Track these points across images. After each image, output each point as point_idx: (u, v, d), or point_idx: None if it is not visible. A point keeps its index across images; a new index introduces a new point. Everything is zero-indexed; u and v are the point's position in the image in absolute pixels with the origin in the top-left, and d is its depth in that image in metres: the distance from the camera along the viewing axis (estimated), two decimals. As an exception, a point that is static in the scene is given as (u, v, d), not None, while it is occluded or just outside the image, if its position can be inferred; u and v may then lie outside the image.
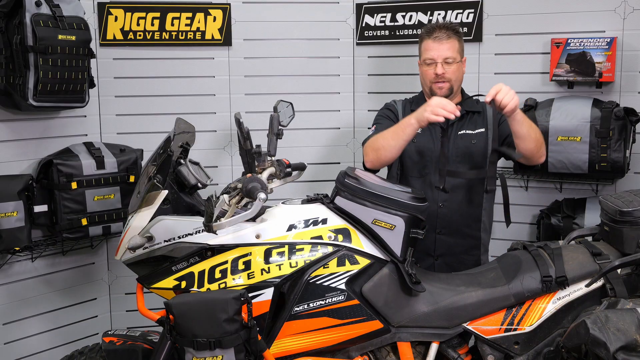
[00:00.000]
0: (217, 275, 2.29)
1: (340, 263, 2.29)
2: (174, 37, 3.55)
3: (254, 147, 2.33)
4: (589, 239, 2.54)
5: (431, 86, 2.80)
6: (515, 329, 2.32)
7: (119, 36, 3.49)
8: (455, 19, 3.51)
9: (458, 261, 2.76)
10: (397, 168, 2.89)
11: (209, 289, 2.27)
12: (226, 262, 2.29)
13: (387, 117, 2.92)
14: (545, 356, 2.29)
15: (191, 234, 2.32)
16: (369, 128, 2.97)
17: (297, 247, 2.30)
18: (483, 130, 2.82)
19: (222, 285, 2.27)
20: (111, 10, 3.47)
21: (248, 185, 2.17)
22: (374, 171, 2.74)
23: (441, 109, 2.49)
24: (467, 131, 2.81)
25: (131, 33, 3.50)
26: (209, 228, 2.12)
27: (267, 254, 2.29)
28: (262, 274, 2.27)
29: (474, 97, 2.90)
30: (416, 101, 2.94)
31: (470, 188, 2.79)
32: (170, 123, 2.66)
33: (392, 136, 2.63)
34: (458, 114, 2.51)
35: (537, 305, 2.32)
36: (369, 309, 2.30)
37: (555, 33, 3.31)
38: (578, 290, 2.31)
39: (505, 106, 2.47)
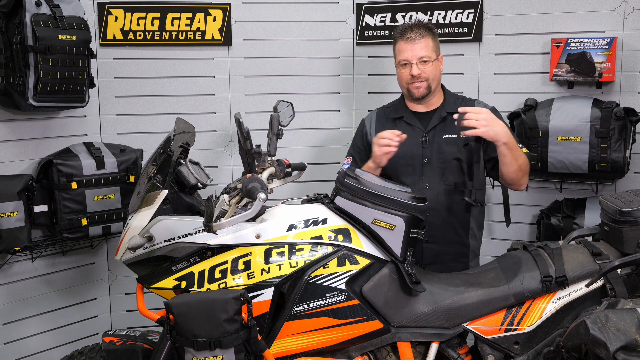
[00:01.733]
0: (217, 275, 2.29)
1: (340, 263, 2.29)
2: (174, 37, 3.55)
3: (254, 147, 2.33)
4: (589, 239, 2.53)
5: (408, 87, 2.78)
6: (515, 329, 2.32)
7: (119, 36, 3.49)
8: (455, 19, 3.51)
9: (447, 269, 2.69)
10: None
11: (209, 289, 2.28)
12: (226, 262, 2.29)
13: (359, 145, 2.93)
14: (545, 356, 2.29)
15: (191, 234, 2.32)
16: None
17: (297, 247, 2.30)
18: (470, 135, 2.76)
19: (222, 285, 2.27)
20: (111, 10, 3.47)
21: (248, 185, 2.17)
22: None
23: (382, 139, 2.60)
24: (452, 135, 2.75)
25: (131, 33, 3.50)
26: (209, 228, 2.12)
27: (267, 254, 2.29)
28: (262, 274, 2.27)
29: (459, 95, 2.88)
30: (394, 106, 2.92)
31: (457, 194, 2.73)
32: (170, 123, 2.66)
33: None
34: (397, 139, 2.60)
35: (537, 305, 2.32)
36: (369, 309, 2.30)
37: (555, 33, 3.31)
38: (578, 290, 2.31)
39: (471, 127, 2.49)
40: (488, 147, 2.66)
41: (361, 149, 2.92)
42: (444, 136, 2.76)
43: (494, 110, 2.80)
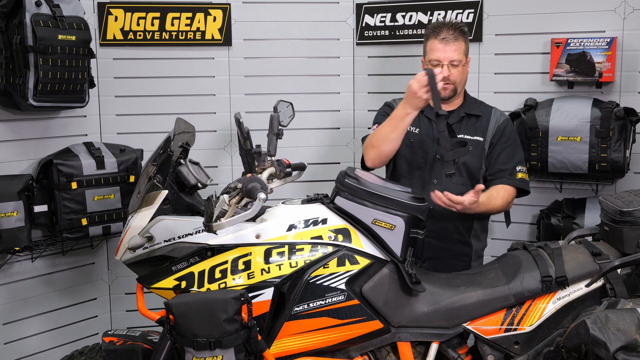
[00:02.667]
0: (217, 275, 2.29)
1: (340, 263, 2.29)
2: (174, 37, 3.55)
3: (254, 147, 2.33)
4: (589, 239, 2.54)
5: None
6: (515, 329, 2.32)
7: (119, 36, 3.49)
8: (455, 19, 3.51)
9: (446, 265, 2.71)
10: (390, 169, 2.89)
11: (209, 289, 2.27)
12: (226, 262, 2.29)
13: (387, 115, 2.89)
14: (545, 356, 2.29)
15: (191, 234, 2.32)
16: (369, 128, 2.97)
17: (297, 247, 2.30)
18: (481, 139, 2.78)
19: (222, 285, 2.27)
20: (111, 10, 3.46)
21: (248, 185, 2.17)
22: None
23: (420, 82, 2.49)
24: (466, 136, 2.77)
25: (131, 33, 3.50)
26: (209, 228, 2.12)
27: (267, 254, 2.29)
28: (262, 274, 2.27)
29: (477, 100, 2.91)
30: None
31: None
32: (170, 123, 2.66)
33: (391, 129, 2.63)
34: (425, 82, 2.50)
35: (537, 305, 2.32)
36: (369, 309, 2.30)
37: (555, 33, 3.30)
38: (578, 290, 2.31)
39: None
40: (491, 149, 2.75)
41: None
42: (457, 136, 2.76)
43: (507, 121, 2.82)
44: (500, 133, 2.78)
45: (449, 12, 3.54)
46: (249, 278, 2.27)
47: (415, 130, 2.85)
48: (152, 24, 3.52)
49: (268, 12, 3.63)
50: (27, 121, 3.19)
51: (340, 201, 2.36)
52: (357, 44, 3.70)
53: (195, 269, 2.31)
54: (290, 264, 2.28)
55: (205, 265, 2.31)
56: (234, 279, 2.28)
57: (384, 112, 2.92)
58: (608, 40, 3.15)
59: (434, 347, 2.35)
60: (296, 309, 2.27)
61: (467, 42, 2.80)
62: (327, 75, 3.71)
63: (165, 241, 2.34)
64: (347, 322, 2.29)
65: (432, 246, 2.76)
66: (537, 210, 3.40)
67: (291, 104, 2.56)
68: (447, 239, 2.77)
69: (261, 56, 3.65)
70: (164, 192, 2.39)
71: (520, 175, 2.75)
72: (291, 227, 2.33)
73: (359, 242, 2.32)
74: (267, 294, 2.26)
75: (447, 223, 2.76)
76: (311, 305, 2.27)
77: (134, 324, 3.44)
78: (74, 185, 3.09)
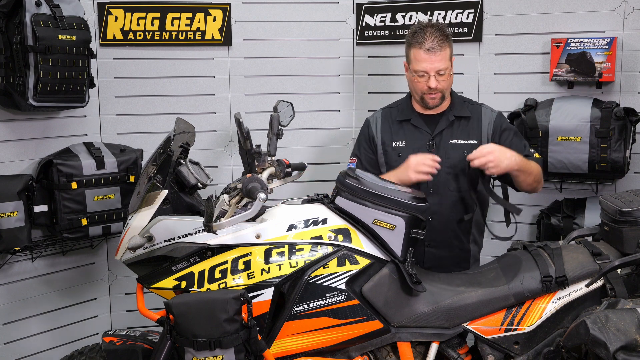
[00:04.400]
0: (217, 275, 2.29)
1: (340, 263, 2.29)
2: (174, 37, 3.55)
3: (254, 147, 2.33)
4: (589, 239, 2.53)
5: (423, 96, 2.74)
6: (515, 329, 2.32)
7: (119, 36, 3.49)
8: (455, 19, 3.51)
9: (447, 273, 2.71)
10: None
11: (209, 289, 2.28)
12: (226, 262, 2.29)
13: (366, 146, 2.89)
14: (545, 356, 2.29)
15: (191, 234, 2.32)
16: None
17: (297, 247, 2.30)
18: (476, 142, 2.74)
19: (222, 285, 2.27)
20: (111, 10, 3.47)
21: (248, 185, 2.17)
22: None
23: (423, 165, 2.55)
24: (460, 140, 2.75)
25: (131, 33, 3.50)
26: (209, 228, 2.12)
27: (267, 254, 2.29)
28: (262, 274, 2.27)
29: (465, 100, 2.88)
30: (400, 108, 2.89)
31: (460, 200, 2.73)
32: (170, 123, 2.66)
33: None
34: (438, 167, 2.57)
35: (537, 305, 2.32)
36: (369, 309, 2.30)
37: (555, 33, 3.31)
38: (578, 290, 2.31)
39: (489, 170, 2.51)
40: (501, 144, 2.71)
41: (368, 151, 2.89)
42: (451, 141, 2.75)
43: (500, 116, 2.80)
44: (500, 129, 2.76)
45: (449, 12, 3.54)
46: (249, 278, 2.27)
47: (401, 143, 2.81)
48: (152, 24, 3.52)
49: (268, 12, 3.63)
50: (27, 121, 3.19)
51: (340, 201, 2.36)
52: (357, 44, 3.70)
53: (195, 269, 2.31)
54: (290, 264, 2.28)
55: (205, 265, 2.31)
56: (234, 279, 2.28)
57: (362, 141, 2.90)
58: (608, 40, 3.15)
59: (434, 347, 2.35)
60: (296, 309, 2.27)
61: (452, 44, 2.73)
62: (327, 75, 3.71)
63: (165, 241, 2.34)
64: (347, 322, 2.29)
65: (433, 255, 2.75)
66: (537, 210, 3.40)
67: (291, 104, 2.56)
68: (448, 248, 2.76)
69: (261, 56, 3.65)
70: (164, 192, 2.39)
71: (537, 155, 2.78)
72: (291, 227, 2.33)
73: (359, 242, 2.32)
74: (267, 294, 2.26)
75: (447, 231, 2.75)
76: (311, 305, 2.27)
77: (134, 324, 3.44)
78: (74, 185, 3.09)
